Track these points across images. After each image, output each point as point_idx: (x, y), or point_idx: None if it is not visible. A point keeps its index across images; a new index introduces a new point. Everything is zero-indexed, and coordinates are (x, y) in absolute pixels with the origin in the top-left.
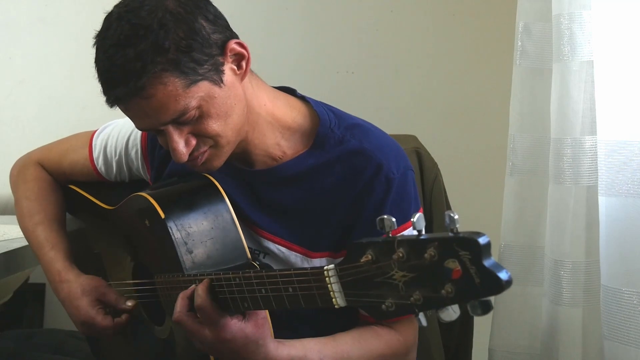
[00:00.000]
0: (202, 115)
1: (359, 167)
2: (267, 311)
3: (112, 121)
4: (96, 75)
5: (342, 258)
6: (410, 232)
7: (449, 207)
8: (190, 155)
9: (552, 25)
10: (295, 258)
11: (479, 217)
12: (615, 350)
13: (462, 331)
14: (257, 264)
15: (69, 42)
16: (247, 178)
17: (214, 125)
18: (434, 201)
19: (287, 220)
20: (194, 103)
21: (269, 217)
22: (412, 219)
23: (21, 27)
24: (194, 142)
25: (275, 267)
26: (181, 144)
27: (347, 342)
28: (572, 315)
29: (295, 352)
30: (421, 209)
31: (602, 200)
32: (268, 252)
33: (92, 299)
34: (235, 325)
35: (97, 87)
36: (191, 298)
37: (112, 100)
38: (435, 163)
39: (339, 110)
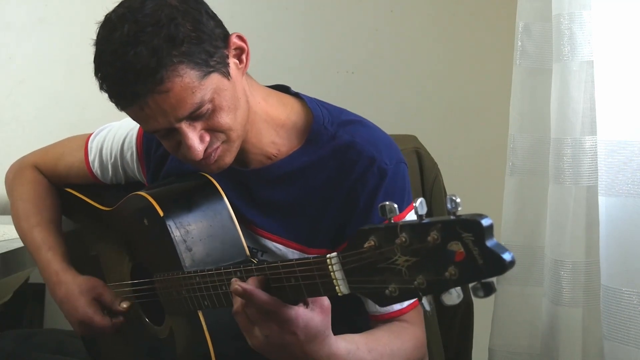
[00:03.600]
0: (215, 108)
1: (351, 161)
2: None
3: (107, 124)
4: (99, 81)
5: None
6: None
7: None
8: (204, 153)
9: (552, 25)
10: (293, 255)
11: None
12: (615, 350)
13: (462, 331)
14: (255, 261)
15: (69, 42)
16: (242, 178)
17: (226, 119)
18: (434, 201)
19: (284, 218)
20: (208, 95)
21: (265, 215)
22: (414, 204)
23: (21, 27)
24: (207, 138)
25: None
26: (196, 141)
27: (383, 336)
28: (572, 315)
29: (350, 346)
30: (412, 204)
31: (602, 200)
32: (266, 251)
33: (90, 299)
34: (306, 314)
35: (97, 87)
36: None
37: (126, 101)
38: (435, 163)
39: (333, 106)
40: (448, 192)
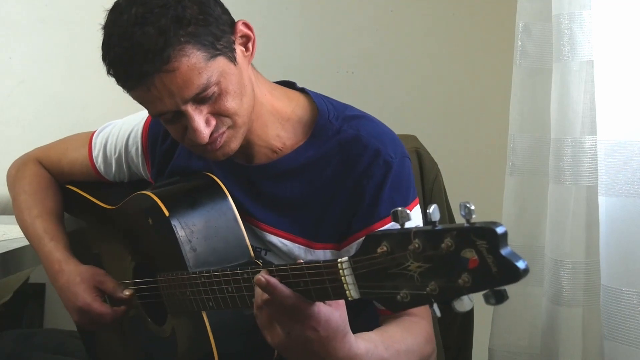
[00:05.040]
0: (221, 92)
1: (356, 154)
2: None
3: (111, 121)
4: (104, 69)
5: (345, 249)
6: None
7: (449, 207)
8: (209, 137)
9: (552, 25)
10: (299, 250)
11: (479, 217)
12: (615, 350)
13: (462, 331)
14: (260, 262)
15: (69, 42)
16: (247, 174)
17: (232, 103)
18: (434, 201)
19: (289, 213)
20: (214, 78)
21: (270, 211)
22: (427, 210)
23: (21, 27)
24: (213, 122)
25: (277, 263)
26: (202, 124)
27: (396, 332)
28: (572, 315)
29: (369, 345)
30: (417, 199)
31: (602, 200)
32: (271, 248)
33: (90, 286)
34: (327, 310)
35: (97, 87)
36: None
37: (133, 82)
38: (435, 163)
39: (338, 102)
40: (449, 192)
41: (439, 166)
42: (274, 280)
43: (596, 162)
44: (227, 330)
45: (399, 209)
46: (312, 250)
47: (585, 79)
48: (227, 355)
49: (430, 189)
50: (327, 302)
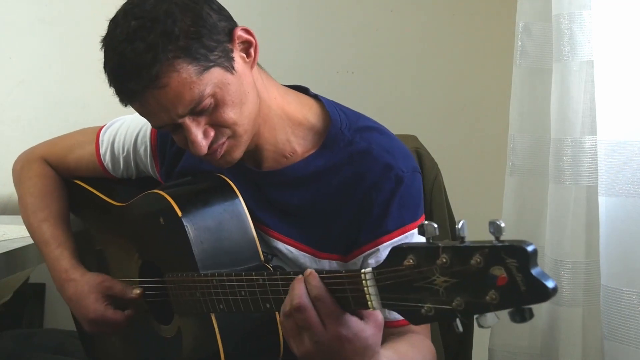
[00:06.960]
0: (218, 103)
1: (366, 168)
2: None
3: (119, 117)
4: (105, 79)
5: (352, 261)
6: (415, 233)
7: (449, 207)
8: (209, 148)
9: (552, 25)
10: (304, 258)
11: (479, 217)
12: (615, 350)
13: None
14: (271, 266)
15: (69, 42)
16: (256, 179)
17: (230, 113)
18: (434, 201)
19: (296, 221)
20: (208, 90)
21: (277, 217)
22: (456, 226)
23: (21, 27)
24: (212, 133)
25: (284, 269)
26: (200, 136)
27: (408, 350)
28: (572, 315)
29: None
30: (424, 215)
31: (602, 200)
32: (276, 253)
33: (99, 296)
34: (358, 325)
35: (97, 87)
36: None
37: (127, 97)
38: (435, 163)
39: (351, 111)
40: (449, 192)
41: (439, 166)
42: (321, 286)
43: (596, 162)
44: (235, 331)
45: (426, 222)
46: (317, 259)
47: (585, 79)
48: (233, 356)
49: (430, 189)
50: (364, 318)
